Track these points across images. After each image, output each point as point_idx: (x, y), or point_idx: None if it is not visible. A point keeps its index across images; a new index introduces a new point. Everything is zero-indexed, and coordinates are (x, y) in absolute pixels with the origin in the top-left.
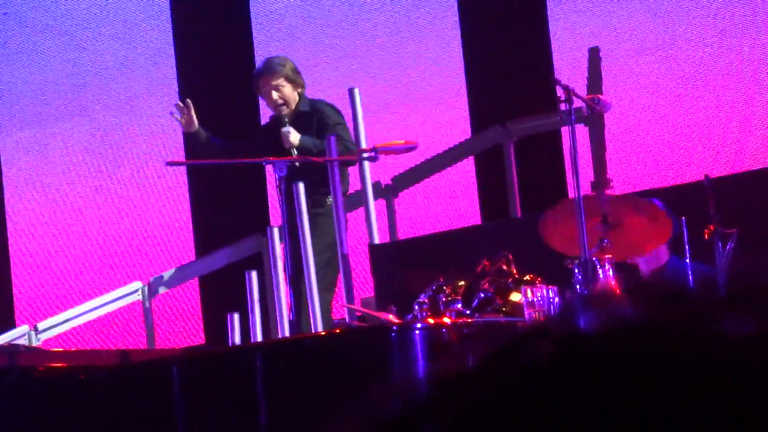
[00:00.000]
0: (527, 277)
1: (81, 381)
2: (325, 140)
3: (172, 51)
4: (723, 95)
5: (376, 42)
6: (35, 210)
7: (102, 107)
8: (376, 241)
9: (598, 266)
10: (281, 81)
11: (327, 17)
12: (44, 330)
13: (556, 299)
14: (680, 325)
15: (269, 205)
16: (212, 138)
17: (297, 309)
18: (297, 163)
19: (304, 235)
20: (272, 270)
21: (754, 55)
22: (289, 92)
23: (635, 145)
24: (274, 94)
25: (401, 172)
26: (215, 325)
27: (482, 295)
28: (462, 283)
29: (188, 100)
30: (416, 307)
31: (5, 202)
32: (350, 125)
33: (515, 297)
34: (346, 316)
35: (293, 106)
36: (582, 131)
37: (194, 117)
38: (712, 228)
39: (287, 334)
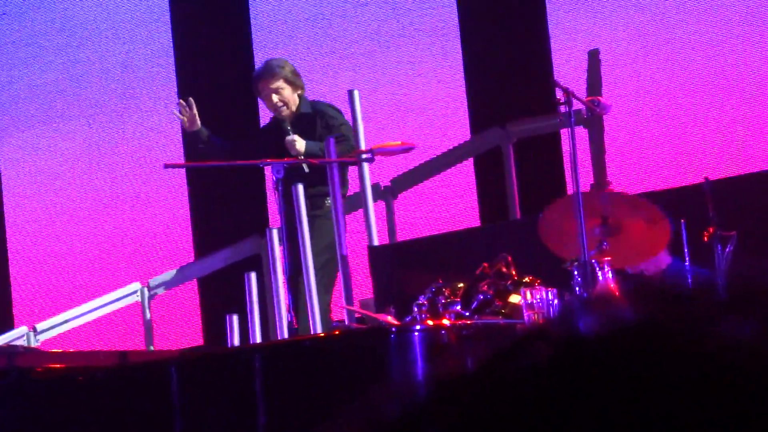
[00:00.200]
0: (526, 279)
1: (79, 382)
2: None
3: (172, 52)
4: (723, 98)
5: (375, 44)
6: (34, 211)
7: (101, 108)
8: (376, 242)
9: (598, 269)
10: (281, 83)
11: (326, 19)
12: (43, 331)
13: (556, 301)
14: (680, 327)
15: (268, 206)
16: (213, 137)
17: (295, 310)
18: (305, 166)
19: (303, 237)
20: (271, 271)
21: (754, 57)
22: (289, 94)
23: (635, 148)
24: (274, 97)
25: (400, 173)
26: (214, 327)
27: (481, 297)
28: (461, 284)
29: (190, 99)
30: (415, 309)
31: (4, 202)
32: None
33: (514, 299)
34: (345, 318)
35: (293, 108)
36: (581, 133)
37: (196, 116)
38: (711, 230)
39: (286, 335)
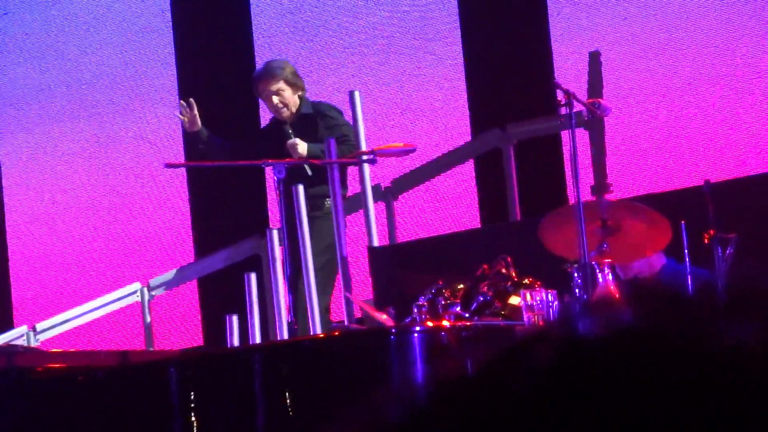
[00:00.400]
0: (526, 281)
1: (79, 382)
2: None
3: (173, 53)
4: (724, 100)
5: (376, 45)
6: (34, 211)
7: (102, 109)
8: (376, 243)
9: (598, 270)
10: (281, 85)
11: (327, 20)
12: (43, 330)
13: (556, 303)
14: (679, 329)
15: (268, 207)
16: (213, 138)
17: (295, 311)
18: (309, 169)
19: (303, 238)
20: (271, 272)
21: (755, 59)
22: (289, 96)
23: (635, 150)
24: (275, 99)
25: (401, 174)
26: (214, 327)
27: (481, 299)
28: (461, 286)
29: (191, 100)
30: (415, 310)
31: (5, 202)
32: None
33: (514, 300)
34: (344, 314)
35: (294, 109)
36: (582, 135)
37: (197, 116)
38: (711, 233)
39: (286, 336)
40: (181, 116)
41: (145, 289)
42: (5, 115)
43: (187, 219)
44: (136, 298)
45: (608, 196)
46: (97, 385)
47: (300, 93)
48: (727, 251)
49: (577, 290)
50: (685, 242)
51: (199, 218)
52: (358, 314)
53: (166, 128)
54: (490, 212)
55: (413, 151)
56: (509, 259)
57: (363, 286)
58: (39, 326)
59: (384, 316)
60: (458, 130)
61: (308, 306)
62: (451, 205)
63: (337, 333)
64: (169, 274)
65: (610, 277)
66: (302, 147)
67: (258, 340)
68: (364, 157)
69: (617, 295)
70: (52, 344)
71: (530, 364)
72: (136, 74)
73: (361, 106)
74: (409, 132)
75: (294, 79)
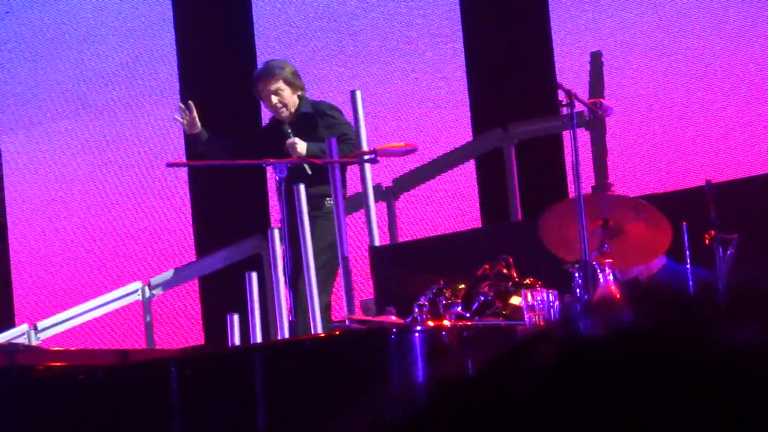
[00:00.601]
0: (527, 281)
1: (80, 381)
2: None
3: (174, 52)
4: (725, 100)
5: (377, 45)
6: (36, 209)
7: (104, 108)
8: (377, 243)
9: (599, 270)
10: (280, 84)
11: (328, 20)
12: (44, 329)
13: (557, 303)
14: (680, 330)
15: (270, 206)
16: (213, 138)
17: (295, 310)
18: (308, 169)
19: (304, 237)
20: (272, 271)
21: (757, 59)
22: (289, 96)
23: (636, 150)
24: (273, 98)
25: (402, 174)
26: (215, 326)
27: (482, 299)
28: (462, 286)
29: (190, 102)
30: (416, 310)
31: (6, 200)
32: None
33: (515, 300)
34: (346, 319)
35: (293, 109)
36: (583, 135)
37: (196, 118)
38: (712, 233)
39: (287, 335)
40: (180, 119)
41: (146, 288)
42: (7, 112)
43: (188, 218)
44: (137, 297)
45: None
46: (97, 384)
47: (299, 93)
48: (729, 252)
49: (578, 290)
50: (687, 243)
51: (201, 217)
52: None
53: (167, 127)
54: (491, 212)
55: (414, 150)
56: (510, 259)
57: (364, 286)
58: (40, 325)
59: (392, 317)
60: (459, 129)
61: (309, 305)
62: (452, 205)
63: (337, 332)
64: (170, 273)
65: (611, 277)
66: (301, 146)
67: (259, 339)
68: (366, 157)
69: (618, 295)
70: (53, 343)
71: (531, 365)
72: (137, 73)
73: (363, 105)
74: (410, 132)
75: (293, 78)
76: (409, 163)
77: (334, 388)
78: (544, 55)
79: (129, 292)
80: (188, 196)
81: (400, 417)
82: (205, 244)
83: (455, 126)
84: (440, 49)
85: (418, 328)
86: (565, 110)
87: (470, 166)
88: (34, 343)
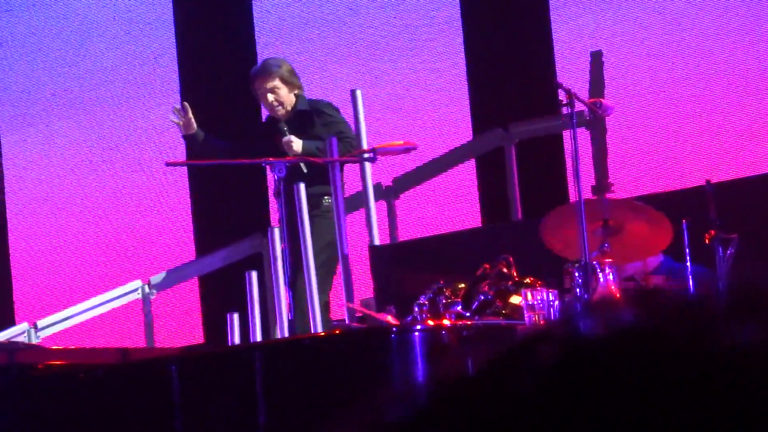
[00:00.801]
0: (527, 280)
1: (80, 379)
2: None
3: (174, 51)
4: (725, 100)
5: (378, 44)
6: (36, 208)
7: (104, 106)
8: (377, 242)
9: (599, 270)
10: (277, 83)
11: (329, 19)
12: (44, 328)
13: (556, 302)
14: (680, 329)
15: (269, 205)
16: (210, 138)
17: (294, 310)
18: (303, 167)
19: (304, 236)
20: (272, 270)
21: (757, 59)
22: (285, 94)
23: (637, 149)
24: (270, 96)
25: (402, 173)
26: (215, 325)
27: (482, 298)
28: (462, 285)
29: (185, 104)
30: (416, 309)
31: (6, 199)
32: (352, 127)
33: (515, 300)
34: (346, 317)
35: (289, 107)
36: (584, 135)
37: (192, 119)
38: (712, 233)
39: (287, 334)
40: (175, 120)
41: (146, 287)
42: (7, 112)
43: (188, 217)
44: (137, 295)
45: (609, 196)
46: (98, 382)
47: (296, 92)
48: (729, 251)
49: (578, 290)
50: (687, 242)
51: (200, 216)
52: (359, 315)
53: (167, 126)
54: (492, 211)
55: (414, 149)
56: (510, 258)
57: (364, 285)
58: (40, 323)
59: (389, 317)
60: (460, 129)
61: (309, 305)
62: (453, 205)
63: (337, 332)
64: (170, 272)
65: (611, 276)
66: (297, 144)
67: (259, 338)
68: (365, 156)
69: (618, 295)
70: (53, 341)
71: (531, 364)
72: (137, 72)
73: (363, 104)
74: (410, 131)
75: (290, 77)
76: (410, 163)
77: (334, 388)
78: (544, 54)
79: (129, 291)
80: (188, 195)
81: (401, 416)
82: (205, 242)
83: (456, 125)
84: (441, 49)
85: (418, 327)
86: (565, 110)
87: (470, 165)
88: (34, 341)
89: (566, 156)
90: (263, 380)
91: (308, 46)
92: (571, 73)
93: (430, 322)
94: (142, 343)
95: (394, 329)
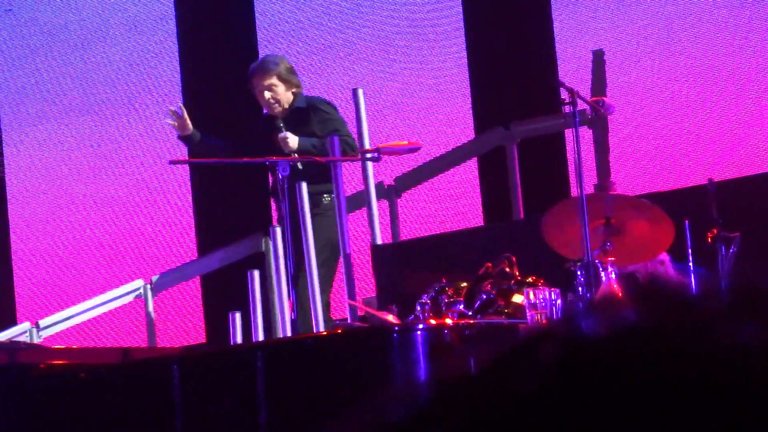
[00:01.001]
0: (529, 279)
1: (82, 379)
2: (324, 139)
3: (176, 50)
4: (727, 99)
5: (380, 43)
6: (38, 207)
7: (106, 106)
8: (379, 241)
9: (601, 269)
10: (274, 81)
11: (331, 18)
12: (45, 327)
13: (559, 301)
14: (682, 329)
15: (272, 204)
16: (206, 139)
17: (296, 309)
18: (299, 164)
19: (306, 235)
20: (274, 269)
21: (760, 57)
22: (282, 92)
23: (639, 148)
24: (267, 94)
25: (404, 172)
26: (217, 324)
27: (484, 297)
28: (464, 284)
29: (181, 106)
30: (418, 308)
31: (8, 198)
32: (354, 126)
33: (517, 299)
34: (348, 316)
35: (287, 105)
36: (585, 134)
37: (188, 121)
38: (715, 232)
39: (289, 333)
40: (171, 122)
41: (148, 286)
42: (9, 111)
43: (190, 216)
44: (139, 294)
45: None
46: (99, 382)
47: (294, 90)
48: (731, 250)
49: (580, 289)
50: (689, 241)
51: (203, 215)
52: (361, 313)
53: (169, 126)
54: (494, 210)
55: (418, 149)
56: (512, 257)
57: (366, 284)
58: (42, 323)
59: (390, 316)
60: (462, 128)
61: (311, 304)
62: (455, 203)
63: (339, 331)
64: (172, 271)
65: (613, 275)
66: (293, 140)
67: (261, 337)
68: (368, 155)
69: (620, 294)
70: (55, 341)
71: (533, 363)
72: (139, 71)
73: (365, 103)
74: (412, 130)
75: (288, 75)
76: (412, 162)
77: (335, 387)
78: (546, 53)
79: (131, 290)
80: (190, 194)
81: (402, 416)
82: (206, 242)
83: (457, 124)
84: (443, 48)
85: (421, 326)
86: (567, 108)
87: (472, 164)
88: (35, 341)
89: (568, 155)
90: (265, 380)
91: (310, 45)
92: (572, 72)
93: (432, 322)
94: (143, 343)
95: (396, 328)
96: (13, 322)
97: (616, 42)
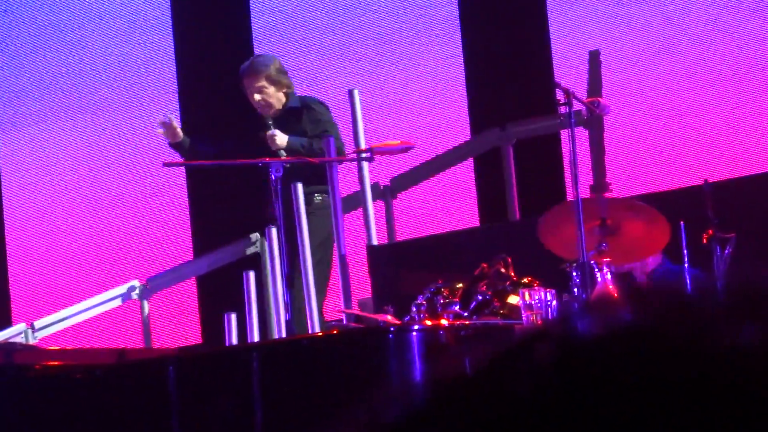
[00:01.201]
0: (525, 280)
1: (77, 380)
2: (313, 138)
3: (172, 50)
4: (723, 99)
5: (376, 43)
6: (33, 208)
7: (101, 106)
8: (374, 242)
9: (596, 270)
10: (263, 83)
11: (327, 18)
12: (41, 328)
13: (554, 302)
14: (678, 329)
15: (267, 205)
16: (196, 144)
17: (291, 310)
18: (287, 164)
19: (302, 236)
20: (270, 270)
21: (755, 58)
22: (273, 93)
23: (634, 149)
24: (257, 96)
25: (400, 173)
26: (212, 325)
27: (480, 298)
28: (460, 285)
29: (170, 116)
30: (414, 309)
31: (3, 199)
32: (350, 126)
33: (513, 300)
34: (344, 318)
35: (278, 106)
36: (581, 134)
37: (177, 128)
38: (710, 232)
39: (284, 334)
40: (161, 131)
41: (144, 287)
42: (4, 111)
43: (185, 217)
44: (135, 295)
45: (607, 195)
46: (95, 383)
47: (285, 90)
48: (726, 251)
49: (575, 289)
50: (684, 242)
51: (198, 216)
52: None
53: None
54: (489, 211)
55: (411, 148)
56: (508, 258)
57: (361, 285)
58: (37, 324)
59: (388, 317)
60: (458, 128)
61: (307, 305)
62: (450, 204)
63: (335, 332)
64: (168, 272)
65: (608, 276)
66: (281, 138)
67: (256, 338)
68: (362, 155)
69: (616, 294)
70: (51, 342)
71: (529, 364)
72: (135, 72)
73: (361, 104)
74: (408, 130)
75: (278, 76)
76: (407, 162)
77: (331, 388)
78: (542, 54)
79: (126, 291)
80: (186, 195)
81: (398, 416)
82: (202, 243)
83: (453, 125)
84: (439, 48)
85: (416, 327)
86: (563, 109)
87: (468, 165)
88: (31, 342)
89: (564, 155)
90: (260, 380)
91: (305, 46)
92: (568, 72)
93: (428, 322)
94: (139, 344)
95: (392, 329)
96: (8, 323)
97: (612, 42)
